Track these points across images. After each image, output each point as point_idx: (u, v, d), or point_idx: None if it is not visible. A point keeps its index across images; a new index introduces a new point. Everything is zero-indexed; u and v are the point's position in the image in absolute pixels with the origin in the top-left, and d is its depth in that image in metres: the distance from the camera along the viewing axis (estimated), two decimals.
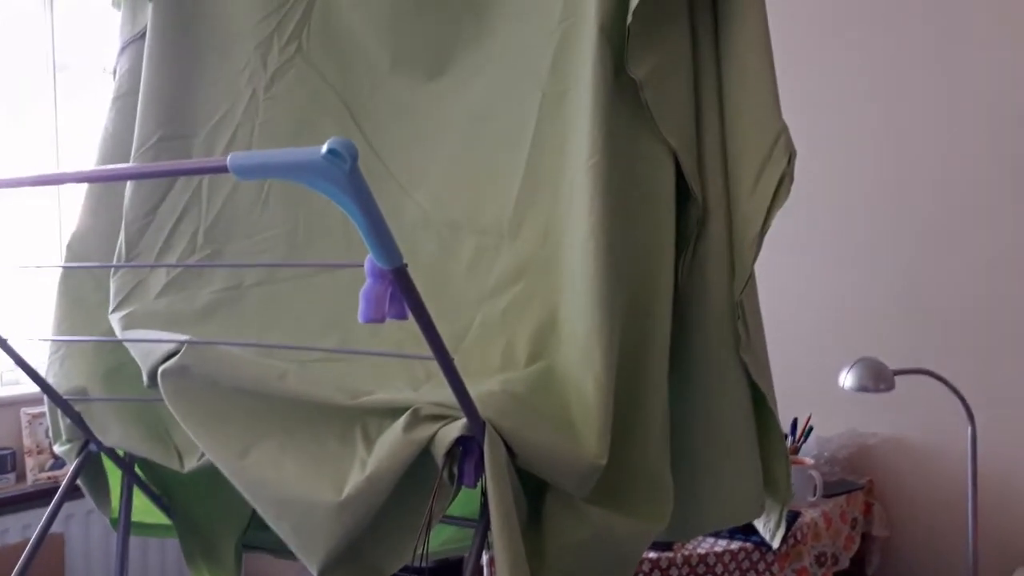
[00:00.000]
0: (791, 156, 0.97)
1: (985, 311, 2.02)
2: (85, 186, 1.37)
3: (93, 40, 2.93)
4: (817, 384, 1.96)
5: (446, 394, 0.83)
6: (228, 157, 0.68)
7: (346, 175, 0.64)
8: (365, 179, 0.67)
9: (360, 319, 0.71)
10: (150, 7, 1.31)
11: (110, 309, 1.20)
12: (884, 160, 2.24)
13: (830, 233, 2.28)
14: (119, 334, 1.14)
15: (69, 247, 1.31)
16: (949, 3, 2.13)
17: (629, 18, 0.97)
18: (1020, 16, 2.04)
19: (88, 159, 2.80)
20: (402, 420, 0.87)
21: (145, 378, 1.04)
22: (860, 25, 2.32)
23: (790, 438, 1.99)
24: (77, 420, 1.17)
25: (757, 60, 0.99)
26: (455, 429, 0.84)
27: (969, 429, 1.65)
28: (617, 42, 1.00)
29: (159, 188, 1.24)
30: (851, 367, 1.64)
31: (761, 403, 1.08)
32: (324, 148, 0.64)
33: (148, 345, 1.05)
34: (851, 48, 2.34)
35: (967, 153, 2.11)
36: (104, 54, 2.95)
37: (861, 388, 1.61)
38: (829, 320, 2.23)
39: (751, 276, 1.03)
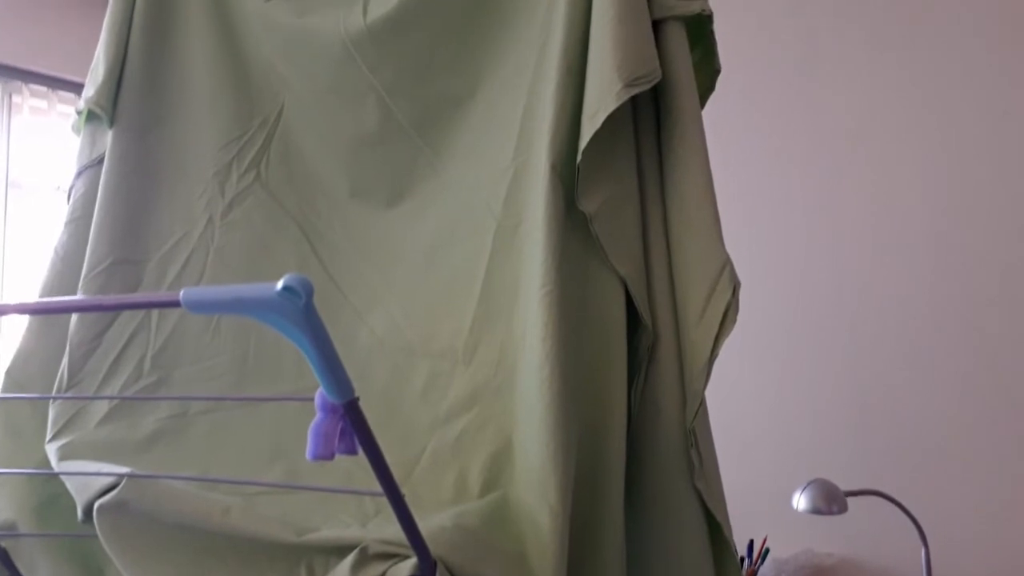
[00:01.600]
0: (735, 287, 1.01)
1: (939, 432, 2.06)
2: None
3: (47, 158, 2.95)
4: (772, 505, 1.96)
5: (396, 530, 0.81)
6: (181, 293, 0.68)
7: (301, 311, 0.65)
8: (319, 313, 0.68)
9: (308, 456, 0.69)
10: (110, 133, 1.34)
11: (47, 438, 1.15)
12: (834, 285, 2.33)
13: (783, 353, 2.34)
14: (55, 465, 1.09)
15: (8, 373, 1.27)
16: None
17: (579, 157, 1.02)
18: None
19: (34, 279, 2.77)
20: (349, 559, 0.84)
21: (80, 513, 0.99)
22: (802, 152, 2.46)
23: (746, 561, 1.96)
24: (3, 557, 1.10)
25: (699, 196, 1.04)
26: (405, 568, 0.81)
27: (923, 551, 1.65)
28: (568, 179, 1.04)
29: (107, 313, 1.22)
30: (804, 489, 1.64)
31: (716, 531, 1.07)
32: (279, 284, 0.64)
33: (85, 478, 1.01)
34: (791, 179, 2.46)
35: (919, 281, 2.20)
36: (57, 173, 2.96)
37: (814, 510, 1.61)
38: (783, 441, 2.26)
39: (702, 403, 1.05)
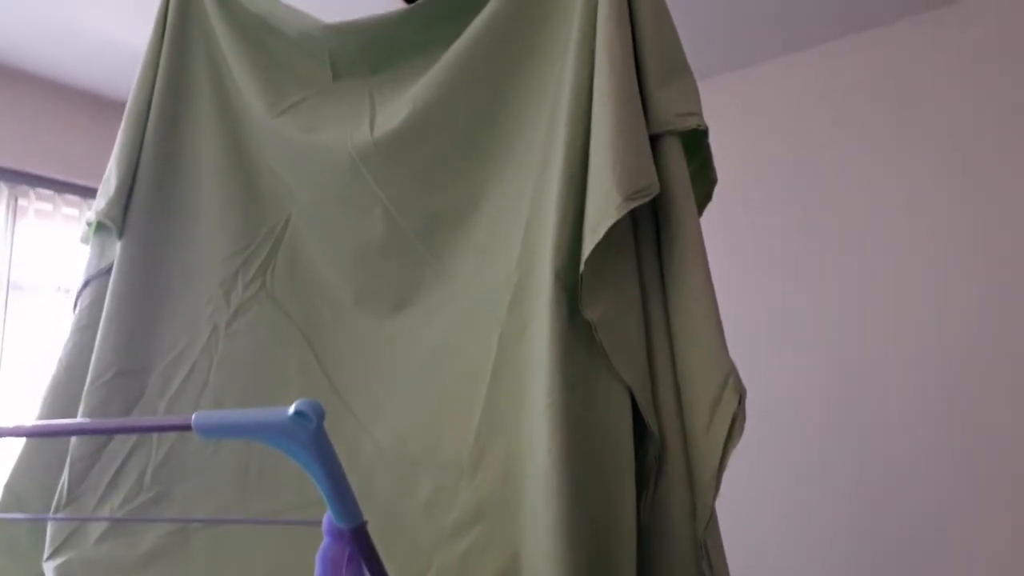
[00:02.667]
0: (741, 396, 1.00)
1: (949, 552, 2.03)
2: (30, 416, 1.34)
3: (50, 260, 2.98)
4: None
5: None
6: (193, 417, 0.68)
7: (311, 436, 0.65)
8: (329, 438, 0.68)
9: None
10: (119, 244, 1.36)
11: (45, 555, 1.12)
12: (840, 391, 2.34)
13: (789, 463, 2.32)
14: None
15: (7, 487, 1.25)
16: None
17: (581, 267, 1.04)
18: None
19: (34, 383, 2.75)
20: None
21: None
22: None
23: None
24: None
25: (702, 305, 1.05)
26: None
27: None
28: (572, 287, 1.06)
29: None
30: None
31: None
32: (291, 410, 0.64)
33: None
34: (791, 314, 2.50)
35: (924, 388, 2.22)
36: (59, 274, 2.98)
37: None
38: (791, 554, 2.22)
39: (713, 514, 1.03)
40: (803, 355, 2.50)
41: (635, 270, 1.10)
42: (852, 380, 2.39)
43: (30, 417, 1.36)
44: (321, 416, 0.64)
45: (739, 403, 1.00)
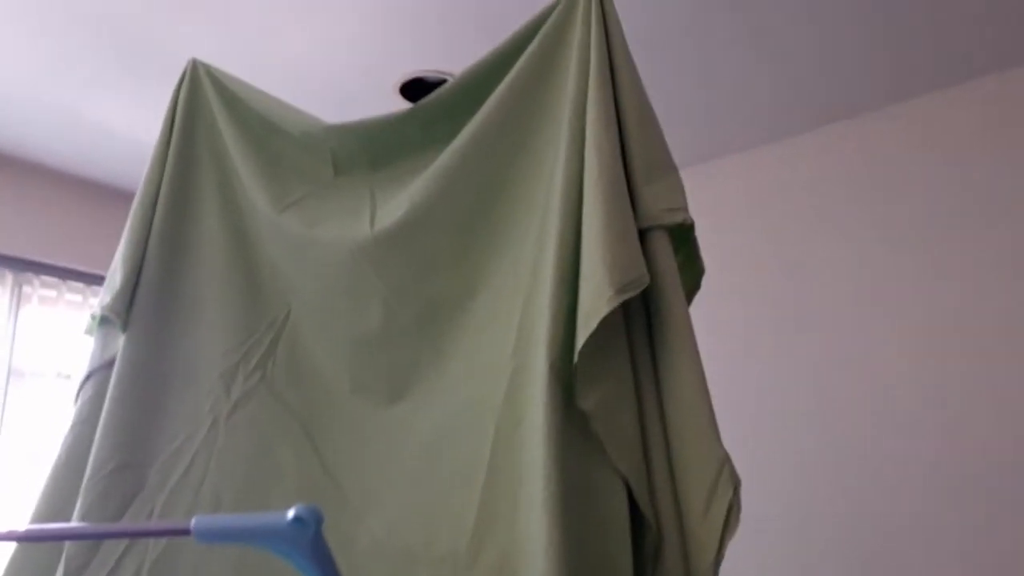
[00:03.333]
0: (736, 486, 1.01)
1: None
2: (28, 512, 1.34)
3: (51, 346, 3.00)
4: None
5: None
6: (192, 521, 0.70)
7: (309, 542, 0.66)
8: (326, 541, 0.69)
9: None
10: (123, 337, 1.38)
11: None
12: (836, 478, 2.33)
13: (786, 539, 2.30)
14: None
15: None
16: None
17: (575, 357, 1.06)
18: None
19: (31, 469, 2.73)
20: None
21: None
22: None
23: None
24: None
25: (693, 395, 1.07)
26: None
27: None
28: (566, 378, 1.08)
29: (106, 522, 1.21)
30: None
31: None
32: (290, 515, 0.66)
33: None
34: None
35: (919, 462, 2.21)
36: (60, 360, 3.00)
37: None
38: None
39: None
40: (795, 439, 2.50)
41: (628, 360, 1.12)
42: (844, 464, 2.39)
43: (29, 507, 1.36)
44: (319, 522, 0.65)
45: (734, 492, 1.01)
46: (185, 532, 0.69)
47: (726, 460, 1.03)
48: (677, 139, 2.72)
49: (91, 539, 1.17)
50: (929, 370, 2.31)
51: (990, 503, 2.12)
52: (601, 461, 1.07)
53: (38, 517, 1.31)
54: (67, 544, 1.20)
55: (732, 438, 1.15)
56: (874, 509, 2.31)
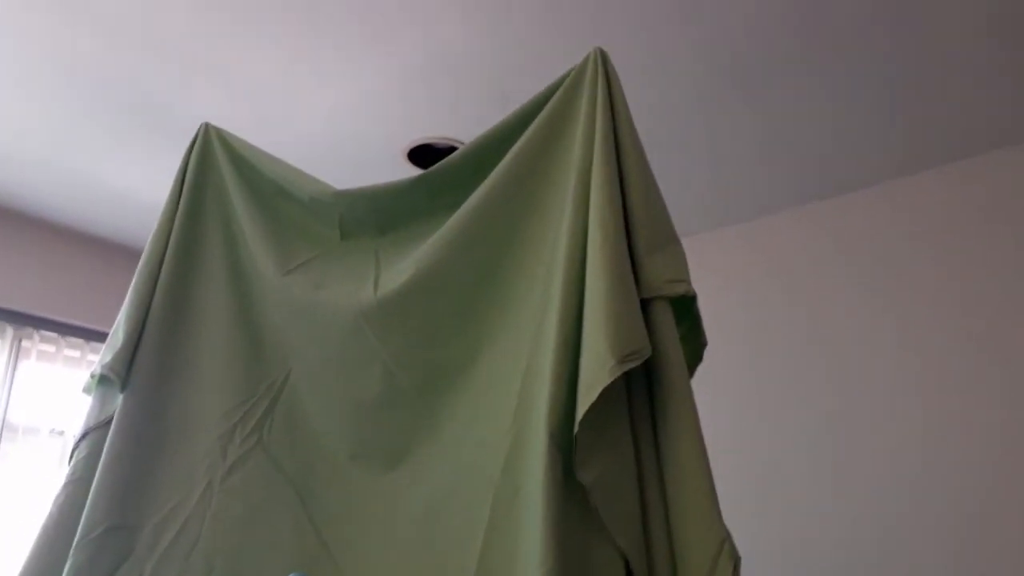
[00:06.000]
0: (736, 564, 0.99)
1: None
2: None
3: (47, 401, 2.98)
4: None
5: None
6: None
7: None
8: None
9: None
10: (121, 397, 1.38)
11: None
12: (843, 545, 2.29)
13: None
14: None
15: None
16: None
17: (576, 428, 1.05)
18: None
19: (22, 534, 2.67)
20: None
21: None
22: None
23: None
24: None
25: (695, 470, 1.05)
26: None
27: None
28: (566, 448, 1.07)
29: None
30: None
31: None
32: None
33: None
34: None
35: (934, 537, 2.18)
36: (55, 416, 2.98)
37: None
38: None
39: None
40: (799, 510, 2.46)
41: (629, 433, 1.11)
42: (851, 534, 2.34)
43: (15, 568, 1.33)
44: None
45: (734, 570, 0.99)
46: None
47: (726, 538, 1.01)
48: (679, 208, 2.76)
49: None
50: (937, 437, 2.29)
51: (994, 548, 2.08)
52: (600, 535, 1.05)
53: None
54: None
55: (734, 511, 1.13)
56: (873, 562, 2.26)
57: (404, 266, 1.32)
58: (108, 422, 1.37)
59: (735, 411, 2.69)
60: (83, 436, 1.40)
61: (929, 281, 2.43)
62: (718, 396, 2.61)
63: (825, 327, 2.60)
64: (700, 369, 1.22)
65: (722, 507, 1.04)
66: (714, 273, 2.88)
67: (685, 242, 1.22)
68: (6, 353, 2.92)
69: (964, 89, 2.14)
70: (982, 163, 2.42)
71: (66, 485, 1.37)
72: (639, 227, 1.16)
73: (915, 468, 2.30)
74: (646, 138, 1.30)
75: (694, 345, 1.20)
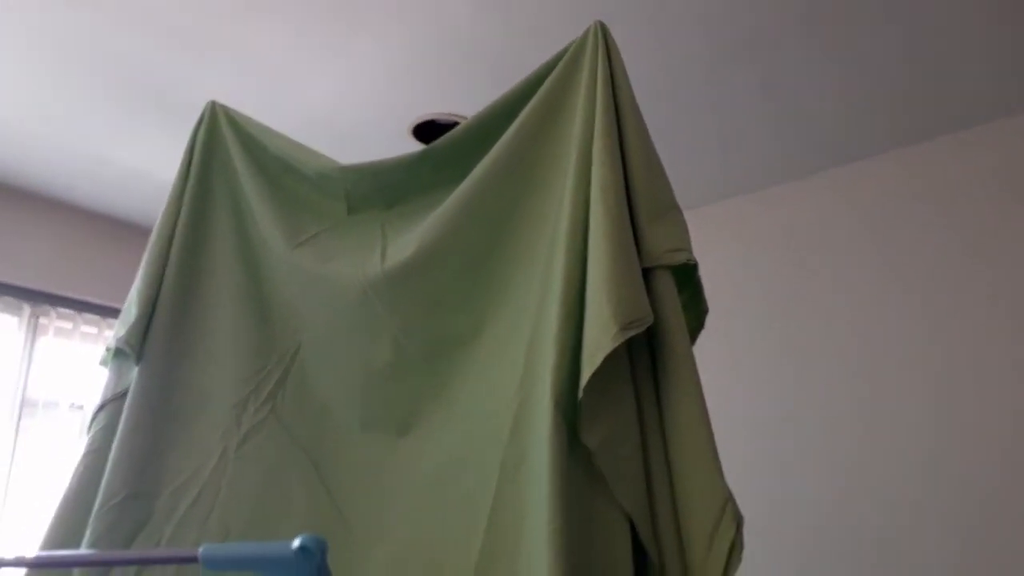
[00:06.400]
0: (739, 524, 1.02)
1: None
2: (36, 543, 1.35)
3: (65, 377, 3.03)
4: None
5: None
6: (200, 549, 0.71)
7: (315, 570, 0.67)
8: (331, 571, 0.70)
9: None
10: (136, 369, 1.41)
11: None
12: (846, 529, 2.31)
13: None
14: None
15: None
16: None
17: (580, 393, 1.08)
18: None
19: (43, 504, 2.74)
20: None
21: None
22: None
23: None
24: None
25: (697, 433, 1.08)
26: None
27: None
28: (571, 414, 1.09)
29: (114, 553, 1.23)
30: None
31: None
32: (295, 544, 0.67)
33: None
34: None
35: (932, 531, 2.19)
36: (74, 391, 3.04)
37: None
38: None
39: None
40: (801, 477, 2.49)
41: (632, 398, 1.14)
42: (850, 503, 2.37)
43: (38, 536, 1.37)
44: (324, 551, 0.67)
45: (737, 530, 1.02)
46: (192, 559, 0.71)
47: (729, 498, 1.04)
48: (685, 179, 2.76)
49: (99, 566, 1.18)
50: (941, 410, 2.30)
51: (1003, 546, 2.10)
52: (605, 497, 1.07)
53: (47, 545, 1.33)
54: (75, 572, 1.21)
55: (734, 476, 1.16)
56: (880, 544, 2.28)
57: (410, 239, 1.34)
58: (124, 394, 1.40)
59: (746, 386, 2.71)
60: (100, 408, 1.44)
61: (944, 250, 2.43)
62: (730, 368, 2.63)
63: (828, 296, 2.61)
64: (715, 340, 1.24)
65: (734, 488, 1.06)
66: (724, 244, 2.89)
67: (693, 213, 1.23)
68: (24, 330, 2.97)
69: (976, 56, 2.12)
70: (997, 129, 2.40)
71: (85, 456, 1.41)
72: (640, 197, 1.17)
73: (932, 441, 2.32)
74: (652, 111, 1.31)
75: (696, 312, 1.22)
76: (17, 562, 0.91)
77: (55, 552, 1.26)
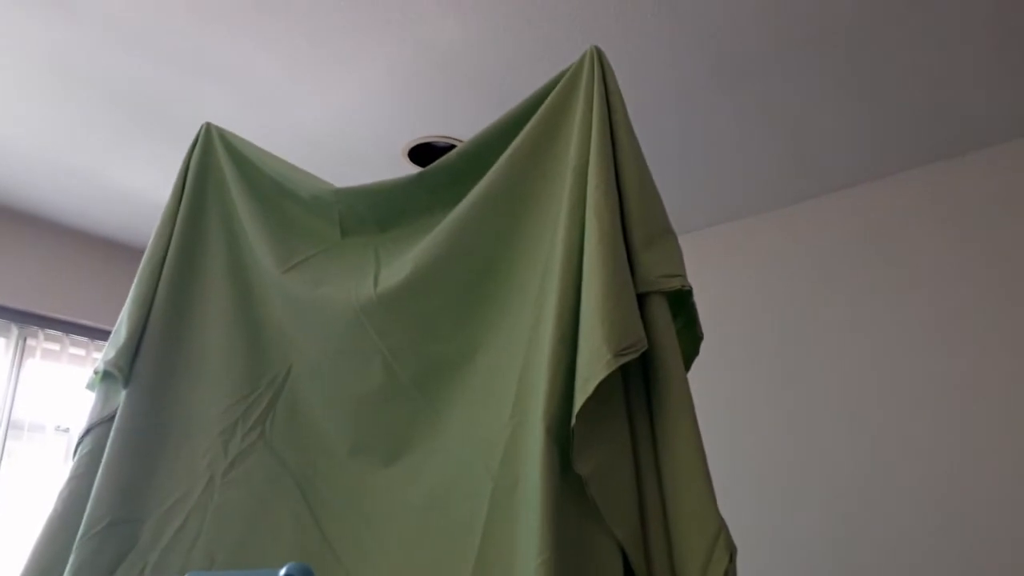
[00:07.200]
0: (732, 554, 1.00)
1: None
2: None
3: (51, 399, 3.00)
4: None
5: None
6: None
7: None
8: None
9: None
10: (124, 392, 1.39)
11: None
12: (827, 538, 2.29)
13: None
14: None
15: None
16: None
17: (573, 420, 1.06)
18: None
19: (27, 529, 2.69)
20: None
21: None
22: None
23: None
24: None
25: (691, 461, 1.06)
26: None
27: None
28: (563, 441, 1.08)
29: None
30: None
31: None
32: (281, 573, 0.66)
33: None
34: None
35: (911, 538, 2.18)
36: (60, 413, 3.00)
37: None
38: None
39: None
40: (796, 506, 2.47)
41: (626, 425, 1.12)
42: (845, 531, 2.35)
43: (21, 561, 1.35)
44: None
45: (730, 560, 1.00)
46: None
47: (722, 528, 1.02)
48: (680, 203, 2.77)
49: None
50: (931, 436, 2.29)
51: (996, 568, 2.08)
52: (597, 526, 1.06)
53: (30, 571, 1.30)
54: None
55: (727, 507, 1.14)
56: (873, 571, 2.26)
57: (403, 263, 1.34)
58: (111, 418, 1.38)
59: (748, 406, 2.69)
60: (87, 432, 1.42)
61: (950, 270, 2.42)
62: (731, 391, 2.62)
63: (821, 323, 2.61)
64: (717, 362, 1.23)
65: (723, 502, 1.05)
66: (716, 269, 2.89)
67: (686, 239, 1.23)
68: (11, 352, 2.94)
69: (981, 80, 2.14)
70: (1004, 151, 2.40)
71: (70, 480, 1.39)
72: (635, 223, 1.17)
73: (951, 454, 2.30)
74: (647, 135, 1.31)
75: (691, 339, 1.21)
76: None
77: None
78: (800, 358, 2.62)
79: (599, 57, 1.25)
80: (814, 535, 2.42)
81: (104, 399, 1.43)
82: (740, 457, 2.61)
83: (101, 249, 3.24)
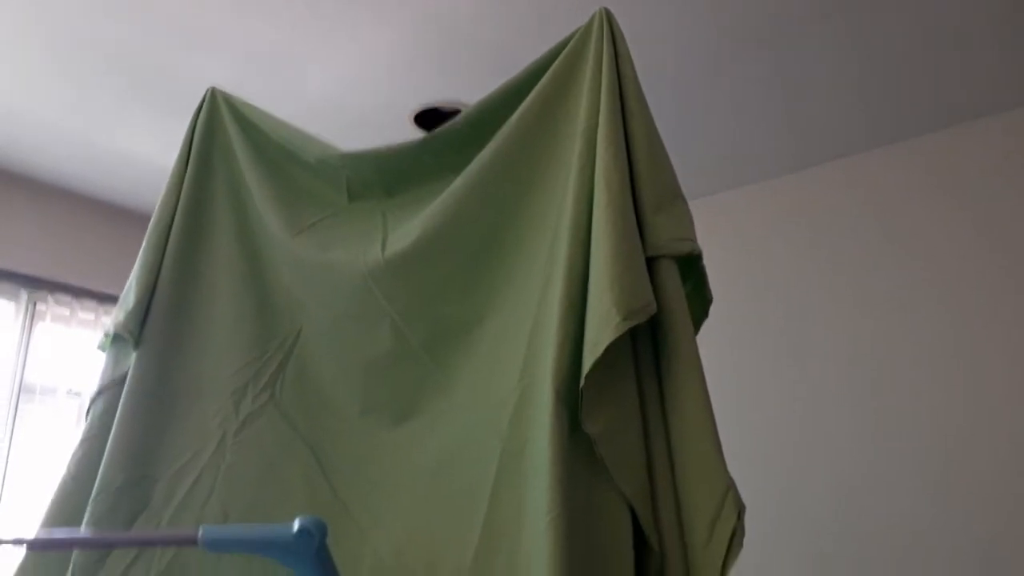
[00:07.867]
0: (740, 512, 1.01)
1: None
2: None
3: (63, 363, 3.02)
4: None
5: None
6: (199, 530, 0.71)
7: (314, 553, 0.67)
8: (331, 553, 0.70)
9: None
10: (134, 354, 1.40)
11: None
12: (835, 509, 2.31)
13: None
14: None
15: None
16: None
17: (582, 382, 1.07)
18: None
19: (41, 490, 2.74)
20: None
21: None
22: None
23: None
24: None
25: (699, 420, 1.07)
26: None
27: None
28: (571, 402, 1.08)
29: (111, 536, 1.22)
30: None
31: None
32: (295, 526, 0.67)
33: None
34: None
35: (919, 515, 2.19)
36: (72, 377, 3.03)
37: None
38: None
39: None
40: (801, 469, 2.48)
41: (634, 386, 1.13)
42: (850, 497, 2.36)
43: (35, 522, 1.37)
44: (324, 533, 0.67)
45: (738, 518, 1.01)
46: (192, 542, 0.71)
47: (731, 486, 1.03)
48: (692, 169, 2.75)
49: (99, 548, 1.18)
50: (936, 405, 2.30)
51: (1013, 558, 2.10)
52: (606, 484, 1.07)
53: (40, 531, 1.32)
54: (74, 556, 1.21)
55: (735, 467, 1.15)
56: (878, 542, 2.28)
57: (411, 227, 1.34)
58: (122, 379, 1.39)
59: (736, 371, 2.70)
60: (98, 394, 1.43)
61: (956, 240, 2.41)
62: (722, 355, 2.62)
63: (843, 289, 2.60)
64: (718, 331, 1.23)
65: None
66: (729, 234, 2.87)
67: (699, 202, 1.23)
68: (22, 316, 2.96)
69: (990, 45, 2.12)
70: (1010, 119, 2.37)
71: (83, 442, 1.40)
72: (644, 186, 1.16)
73: (955, 426, 2.30)
74: (657, 99, 1.30)
75: (700, 302, 1.21)
76: (18, 541, 0.91)
77: (55, 537, 1.26)
78: (807, 324, 2.62)
79: (608, 19, 1.24)
80: (820, 505, 2.44)
81: (115, 362, 1.44)
82: (747, 429, 2.62)
83: (109, 214, 3.25)
